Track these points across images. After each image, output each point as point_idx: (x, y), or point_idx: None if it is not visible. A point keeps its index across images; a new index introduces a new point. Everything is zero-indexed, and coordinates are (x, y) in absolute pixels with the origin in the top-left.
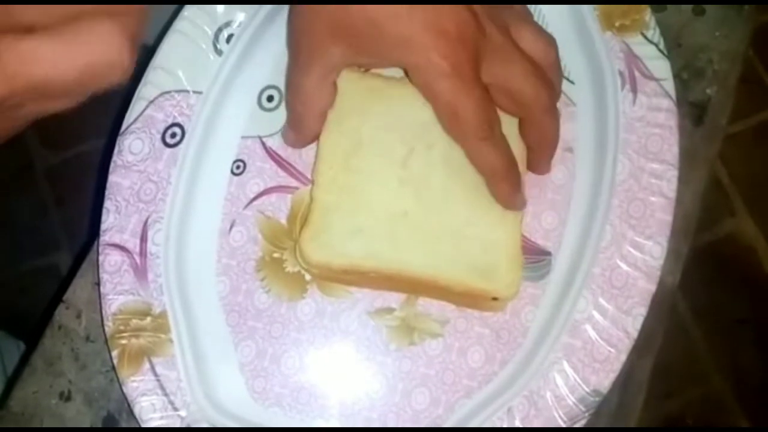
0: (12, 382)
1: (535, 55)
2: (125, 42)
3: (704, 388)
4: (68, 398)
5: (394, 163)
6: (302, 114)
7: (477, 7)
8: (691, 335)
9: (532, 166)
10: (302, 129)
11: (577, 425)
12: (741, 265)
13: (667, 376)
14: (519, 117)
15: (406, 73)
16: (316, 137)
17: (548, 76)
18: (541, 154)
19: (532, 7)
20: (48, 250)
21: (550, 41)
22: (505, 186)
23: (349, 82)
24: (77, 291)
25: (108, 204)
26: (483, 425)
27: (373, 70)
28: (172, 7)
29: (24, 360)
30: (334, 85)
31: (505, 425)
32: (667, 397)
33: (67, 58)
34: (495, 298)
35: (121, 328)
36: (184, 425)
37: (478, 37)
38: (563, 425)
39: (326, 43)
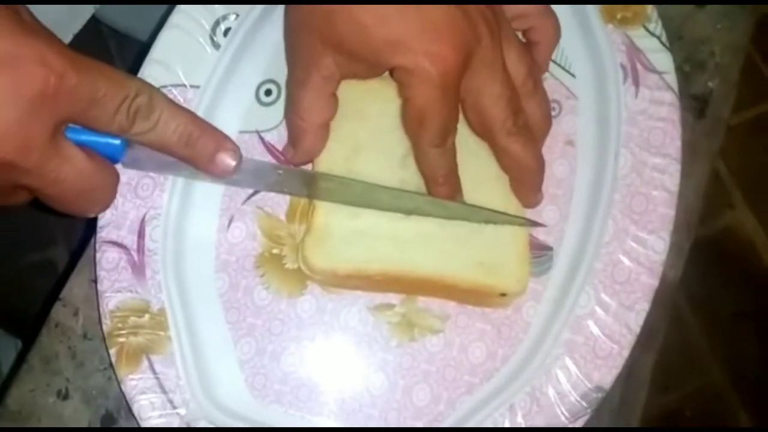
0: (9, 380)
1: (515, 77)
2: None
3: (703, 380)
4: (66, 396)
5: (394, 164)
6: (302, 128)
7: (476, 15)
8: (689, 328)
9: (518, 198)
10: (302, 144)
11: (579, 422)
12: (740, 257)
13: (666, 369)
14: (484, 139)
15: (391, 73)
16: (317, 152)
17: (520, 105)
18: (519, 183)
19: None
20: (43, 244)
21: (530, 68)
22: (442, 189)
23: (344, 85)
24: (74, 288)
25: None
26: (484, 422)
27: None
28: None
29: (21, 358)
30: (334, 96)
31: (506, 422)
32: (665, 389)
33: None
34: (503, 294)
35: (119, 325)
36: (183, 424)
37: (472, 47)
38: (566, 422)
39: (319, 53)
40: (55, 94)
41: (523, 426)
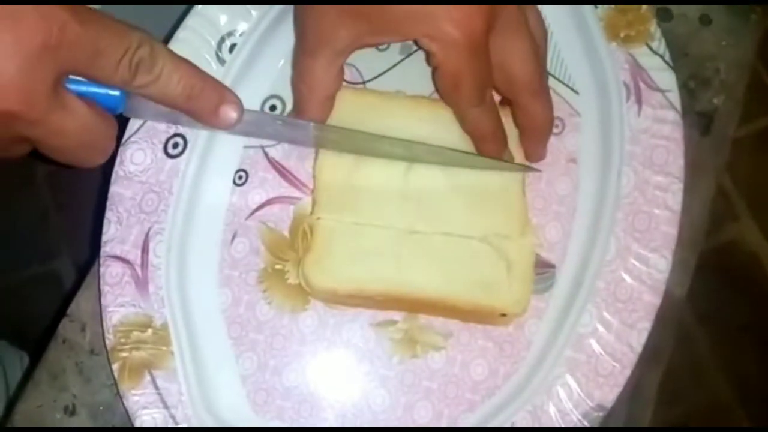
0: (16, 395)
1: (522, 76)
2: None
3: (708, 394)
4: (73, 412)
5: (395, 178)
6: (307, 97)
7: None
8: (694, 341)
9: (525, 151)
10: (307, 114)
11: None
12: (744, 270)
13: (671, 383)
14: (507, 96)
15: (416, 42)
16: (321, 122)
17: (544, 61)
18: (530, 139)
19: None
20: (48, 257)
21: (538, 67)
22: (491, 146)
23: (345, 100)
24: (81, 304)
25: (109, 215)
26: None
27: (369, 86)
28: (174, 16)
29: (28, 374)
30: (342, 69)
31: None
32: (670, 403)
33: None
34: (503, 314)
35: (122, 340)
36: None
37: (496, 9)
38: None
39: (335, 26)
40: (58, 46)
41: None
